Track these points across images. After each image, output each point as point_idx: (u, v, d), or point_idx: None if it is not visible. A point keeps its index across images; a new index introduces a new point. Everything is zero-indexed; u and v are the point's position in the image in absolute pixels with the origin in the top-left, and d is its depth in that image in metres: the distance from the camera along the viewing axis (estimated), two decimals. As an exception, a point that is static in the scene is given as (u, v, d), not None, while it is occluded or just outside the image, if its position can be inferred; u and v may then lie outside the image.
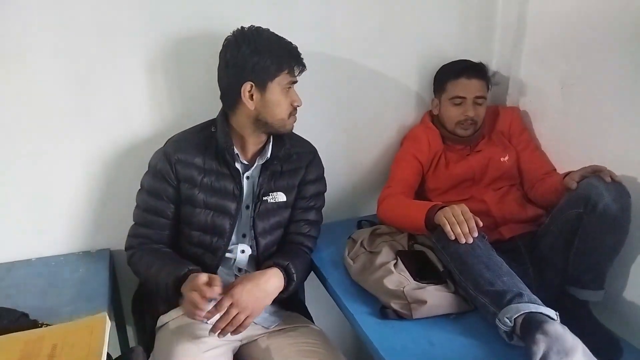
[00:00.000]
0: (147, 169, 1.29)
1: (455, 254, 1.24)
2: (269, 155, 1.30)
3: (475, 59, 1.63)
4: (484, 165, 1.60)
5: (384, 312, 1.23)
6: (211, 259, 1.28)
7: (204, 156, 1.26)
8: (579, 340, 0.98)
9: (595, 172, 1.29)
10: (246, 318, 1.15)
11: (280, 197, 1.32)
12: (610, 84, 1.39)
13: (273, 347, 1.26)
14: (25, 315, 1.09)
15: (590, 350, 0.99)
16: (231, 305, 1.13)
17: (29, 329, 1.03)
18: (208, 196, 1.25)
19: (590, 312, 1.30)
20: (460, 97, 1.57)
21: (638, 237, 1.30)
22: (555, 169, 1.58)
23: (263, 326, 1.31)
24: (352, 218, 1.72)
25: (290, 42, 1.23)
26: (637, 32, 1.29)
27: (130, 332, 1.52)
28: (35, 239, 1.40)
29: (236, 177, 1.27)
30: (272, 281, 1.21)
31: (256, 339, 1.30)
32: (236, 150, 1.27)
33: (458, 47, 1.70)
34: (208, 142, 1.27)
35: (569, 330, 0.99)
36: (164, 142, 1.30)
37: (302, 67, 1.25)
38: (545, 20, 1.59)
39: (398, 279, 1.26)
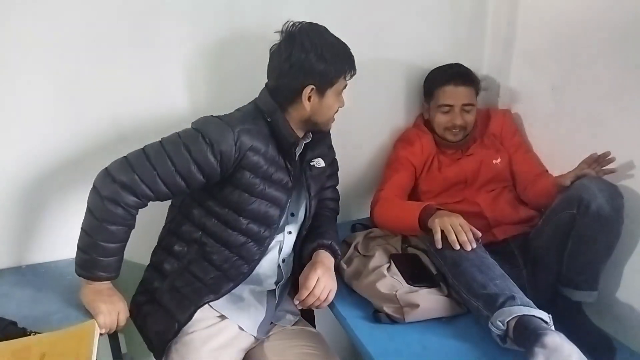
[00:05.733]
0: (191, 128, 1.18)
1: (449, 257, 1.24)
2: (311, 137, 1.33)
3: (466, 63, 1.63)
4: (476, 168, 1.60)
5: (376, 316, 1.23)
6: (255, 247, 1.26)
7: (268, 146, 1.23)
8: (574, 347, 0.98)
9: (590, 166, 1.31)
10: (329, 292, 1.23)
11: (321, 162, 1.38)
12: (600, 86, 1.40)
13: (273, 350, 1.26)
14: (14, 323, 1.07)
15: (585, 351, 0.99)
16: (318, 280, 1.21)
17: (17, 338, 1.02)
18: (267, 187, 1.23)
19: (584, 313, 1.30)
20: (447, 105, 1.57)
21: (631, 238, 1.31)
22: (547, 171, 1.58)
23: (283, 325, 1.33)
24: (346, 221, 1.71)
25: (347, 46, 1.25)
26: (626, 35, 1.30)
27: (123, 338, 1.51)
28: (24, 246, 1.39)
29: (291, 170, 1.27)
30: (328, 262, 1.30)
31: (257, 344, 1.30)
32: (298, 149, 1.29)
33: (449, 52, 1.70)
34: (270, 132, 1.24)
35: (565, 338, 0.99)
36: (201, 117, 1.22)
37: (355, 71, 1.28)
38: (535, 24, 1.60)
39: (391, 282, 1.26)
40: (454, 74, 1.58)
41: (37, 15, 1.22)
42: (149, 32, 1.34)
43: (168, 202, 1.34)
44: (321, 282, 1.21)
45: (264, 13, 1.42)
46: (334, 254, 1.34)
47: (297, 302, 1.23)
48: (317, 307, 1.25)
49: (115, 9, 1.29)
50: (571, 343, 0.98)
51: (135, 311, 1.26)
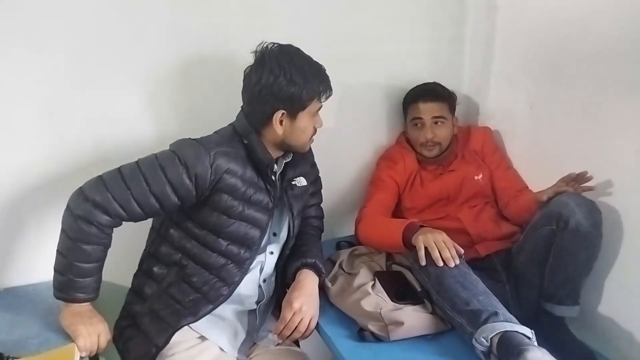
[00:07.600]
0: (168, 150, 1.18)
1: (432, 273, 1.25)
2: (291, 156, 1.33)
3: (445, 82, 1.67)
4: (458, 184, 1.62)
5: (361, 334, 1.22)
6: (235, 269, 1.25)
7: (245, 168, 1.21)
8: None
9: (568, 185, 1.33)
10: (310, 321, 1.23)
11: (302, 181, 1.37)
12: (576, 103, 1.43)
13: None
14: (-9, 349, 1.05)
15: (567, 365, 1.00)
16: (293, 314, 1.21)
17: (-6, 364, 1.00)
18: (246, 208, 1.22)
19: (567, 328, 1.31)
20: (417, 119, 1.61)
21: (610, 253, 1.33)
22: (527, 187, 1.61)
23: (266, 345, 1.31)
24: (330, 239, 1.71)
25: (321, 66, 1.24)
26: (601, 54, 1.34)
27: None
28: (2, 269, 1.36)
29: (271, 191, 1.26)
30: (310, 282, 1.30)
31: None
32: (275, 168, 1.28)
33: (429, 71, 1.74)
34: (247, 154, 1.24)
35: (547, 353, 1.00)
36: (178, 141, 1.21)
37: (330, 92, 1.27)
38: (513, 44, 1.65)
39: (375, 300, 1.26)
40: (422, 91, 1.63)
41: (18, 38, 1.22)
42: (130, 53, 1.34)
43: (150, 225, 1.33)
44: (298, 315, 1.21)
45: (245, 34, 1.42)
46: (318, 272, 1.34)
47: (274, 337, 1.22)
48: (300, 339, 1.24)
49: (96, 32, 1.29)
50: (553, 358, 0.99)
51: (118, 335, 1.24)
